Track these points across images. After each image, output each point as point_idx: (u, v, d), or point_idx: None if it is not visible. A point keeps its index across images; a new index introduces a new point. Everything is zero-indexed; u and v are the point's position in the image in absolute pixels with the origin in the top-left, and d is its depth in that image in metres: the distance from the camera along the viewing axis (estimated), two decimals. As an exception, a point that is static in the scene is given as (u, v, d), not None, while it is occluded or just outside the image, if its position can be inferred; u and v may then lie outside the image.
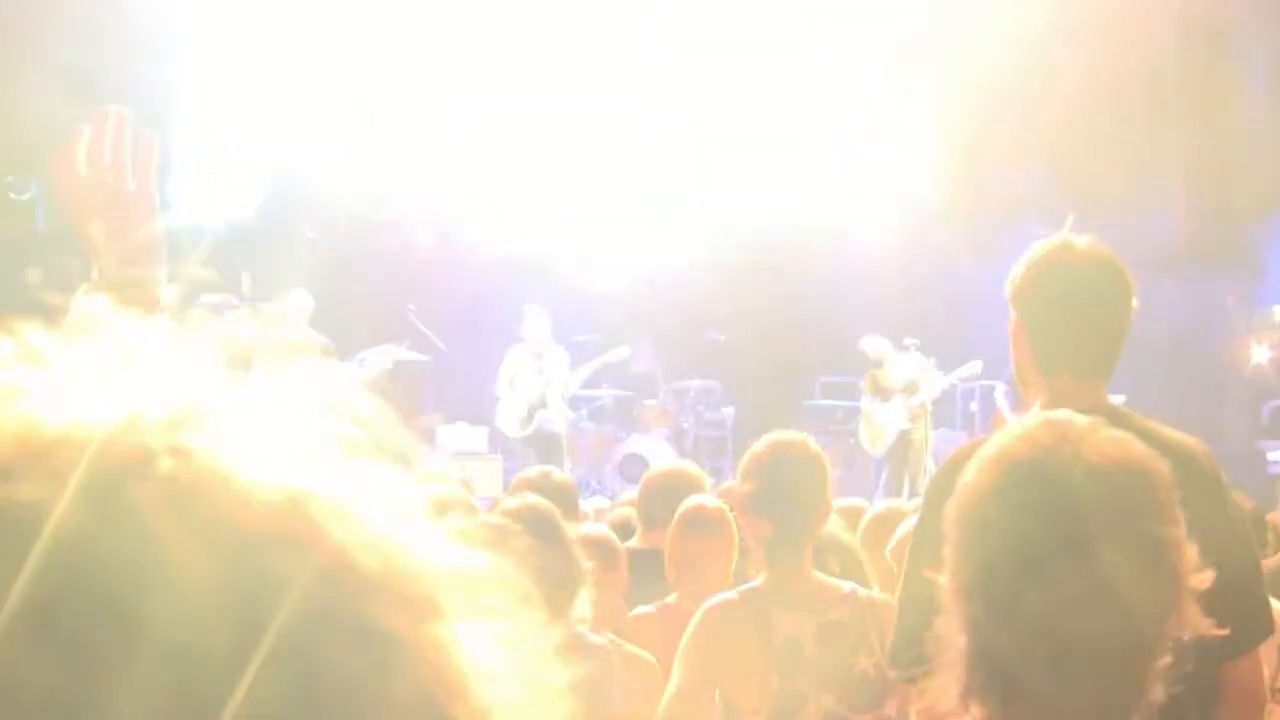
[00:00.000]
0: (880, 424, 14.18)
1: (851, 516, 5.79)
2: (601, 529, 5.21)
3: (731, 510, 4.79)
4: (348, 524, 0.61)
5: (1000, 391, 14.48)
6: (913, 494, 12.99)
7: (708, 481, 6.50)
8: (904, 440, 14.08)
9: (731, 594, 4.08)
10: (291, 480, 0.61)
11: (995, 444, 1.90)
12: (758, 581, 4.07)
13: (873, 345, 14.41)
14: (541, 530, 3.80)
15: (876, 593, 4.22)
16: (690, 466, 6.60)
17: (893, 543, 4.80)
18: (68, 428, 0.59)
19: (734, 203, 17.96)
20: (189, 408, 0.62)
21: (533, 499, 4.18)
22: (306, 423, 0.65)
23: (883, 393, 14.29)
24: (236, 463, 0.60)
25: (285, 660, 0.57)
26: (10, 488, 0.57)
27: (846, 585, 4.15)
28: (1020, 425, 1.92)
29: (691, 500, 5.15)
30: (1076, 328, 3.21)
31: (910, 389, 14.01)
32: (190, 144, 16.56)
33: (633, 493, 7.17)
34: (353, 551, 0.60)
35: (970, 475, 1.88)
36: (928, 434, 13.62)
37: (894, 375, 14.25)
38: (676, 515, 5.02)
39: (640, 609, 4.99)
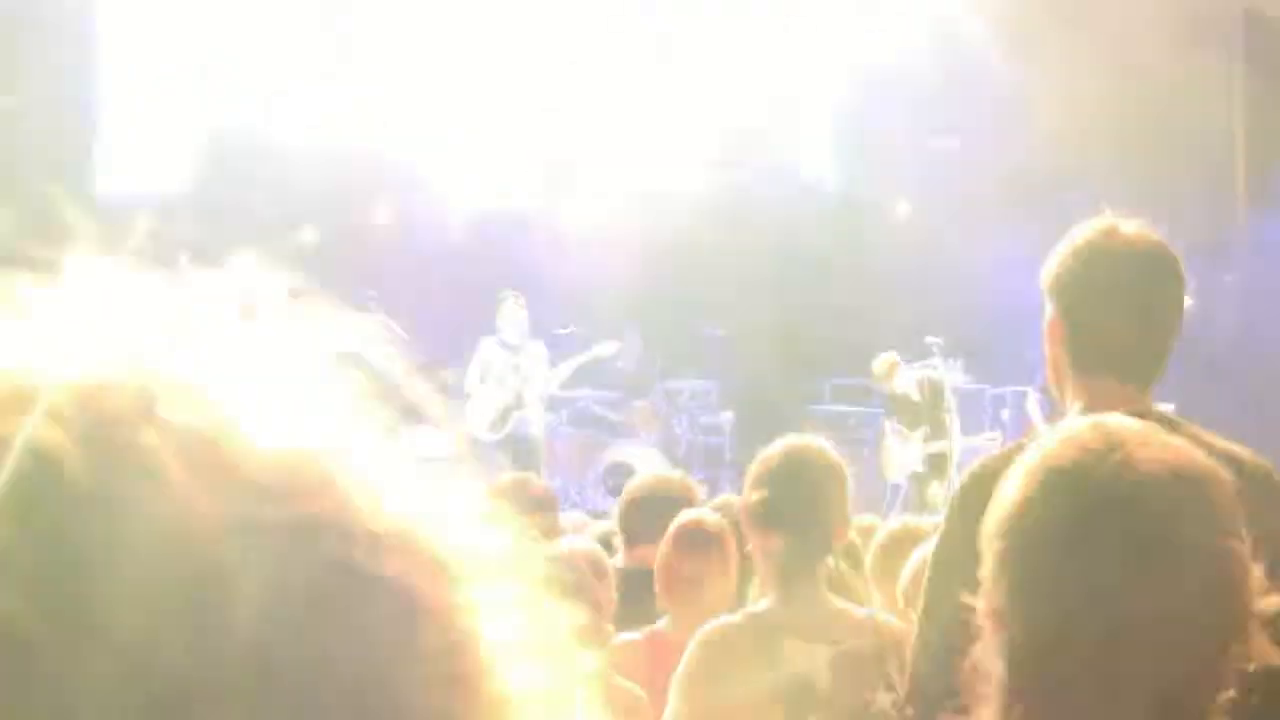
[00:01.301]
0: (898, 462, 14.34)
1: (863, 536, 5.80)
2: (588, 543, 5.22)
3: (732, 525, 4.81)
4: (364, 479, 0.63)
5: (1032, 399, 14.51)
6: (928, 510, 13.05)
7: (698, 493, 6.51)
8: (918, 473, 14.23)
9: (734, 619, 4.08)
10: (304, 431, 0.63)
11: (1036, 451, 1.91)
12: (764, 605, 4.07)
13: (884, 368, 14.38)
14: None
15: (897, 621, 4.22)
16: (678, 476, 6.62)
17: (907, 571, 4.82)
18: (60, 374, 0.61)
19: (733, 179, 17.99)
20: (191, 352, 0.64)
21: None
22: (315, 372, 0.68)
23: (902, 424, 14.37)
24: (246, 411, 0.63)
25: (304, 609, 0.59)
26: (8, 427, 0.59)
27: (864, 611, 4.16)
28: (1064, 429, 1.93)
29: (687, 514, 5.16)
30: (1121, 324, 3.19)
31: (932, 432, 14.06)
32: (119, 104, 16.56)
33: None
34: (372, 507, 0.63)
35: (1009, 485, 1.90)
36: (952, 449, 13.67)
37: (912, 404, 14.33)
38: (670, 531, 5.03)
39: (624, 635, 5.00)
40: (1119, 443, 1.84)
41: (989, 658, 1.86)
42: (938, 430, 13.88)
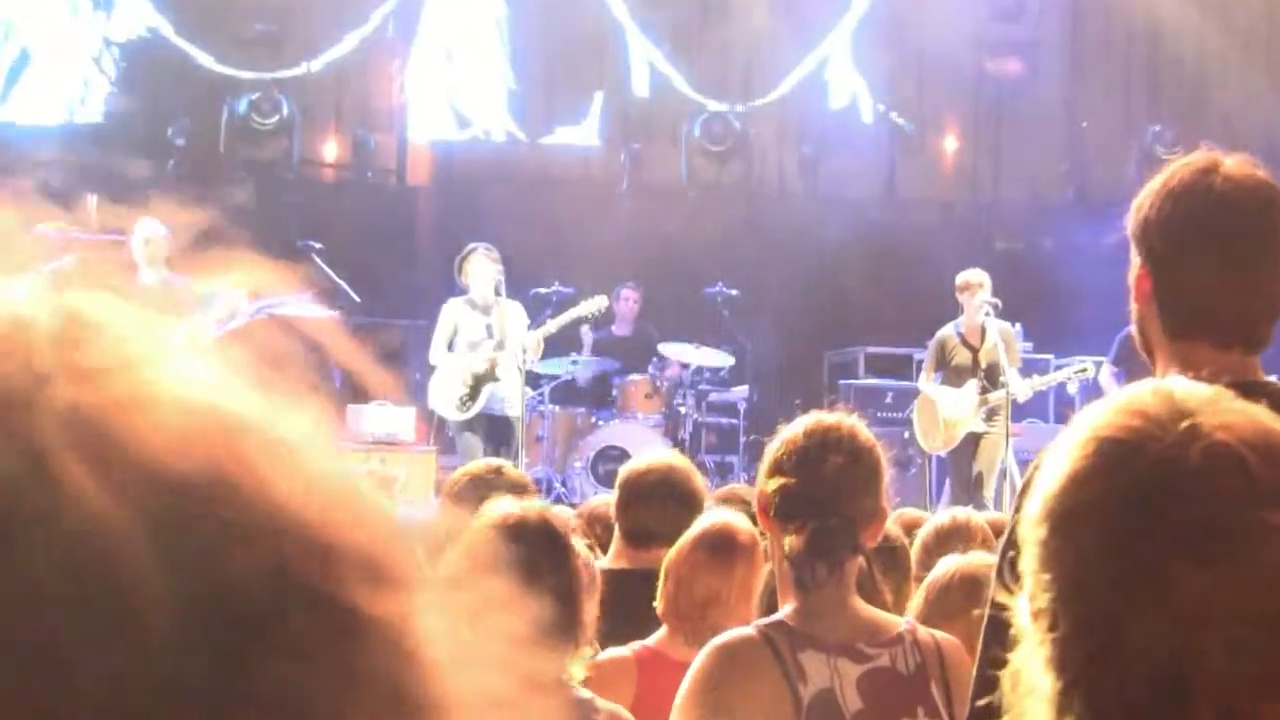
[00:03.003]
0: (946, 417, 14.15)
1: (906, 531, 5.81)
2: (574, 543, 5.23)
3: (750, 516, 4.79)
4: (287, 463, 0.63)
5: (1106, 371, 14.50)
6: (975, 506, 13.01)
7: (703, 483, 6.51)
8: (973, 438, 14.08)
9: (746, 630, 4.07)
10: (218, 408, 0.62)
11: (1086, 420, 1.91)
12: (783, 613, 4.06)
13: (972, 281, 14.01)
14: (554, 547, 3.85)
15: (941, 633, 4.22)
16: (680, 462, 6.63)
17: (931, 580, 4.83)
18: None
19: (747, 106, 17.96)
20: (85, 318, 0.63)
21: (543, 508, 4.21)
22: (229, 337, 0.67)
23: (954, 371, 14.19)
24: (152, 388, 0.62)
25: (227, 627, 0.59)
26: None
27: (903, 621, 4.15)
28: (1119, 396, 1.93)
29: (714, 518, 5.12)
30: (1222, 278, 3.15)
31: (990, 371, 13.93)
32: (18, 27, 16.52)
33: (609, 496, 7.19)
34: (299, 502, 0.62)
35: (1055, 461, 1.90)
36: (1007, 427, 13.62)
37: (970, 347, 14.16)
38: (690, 536, 5.01)
39: (611, 651, 5.00)
40: (1187, 410, 1.82)
41: (1032, 666, 1.86)
42: (994, 382, 13.80)
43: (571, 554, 4.12)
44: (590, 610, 4.91)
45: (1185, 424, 1.80)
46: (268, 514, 0.61)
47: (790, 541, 4.02)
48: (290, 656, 0.60)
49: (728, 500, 5.88)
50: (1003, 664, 1.92)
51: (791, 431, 4.11)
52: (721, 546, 4.97)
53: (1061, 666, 1.81)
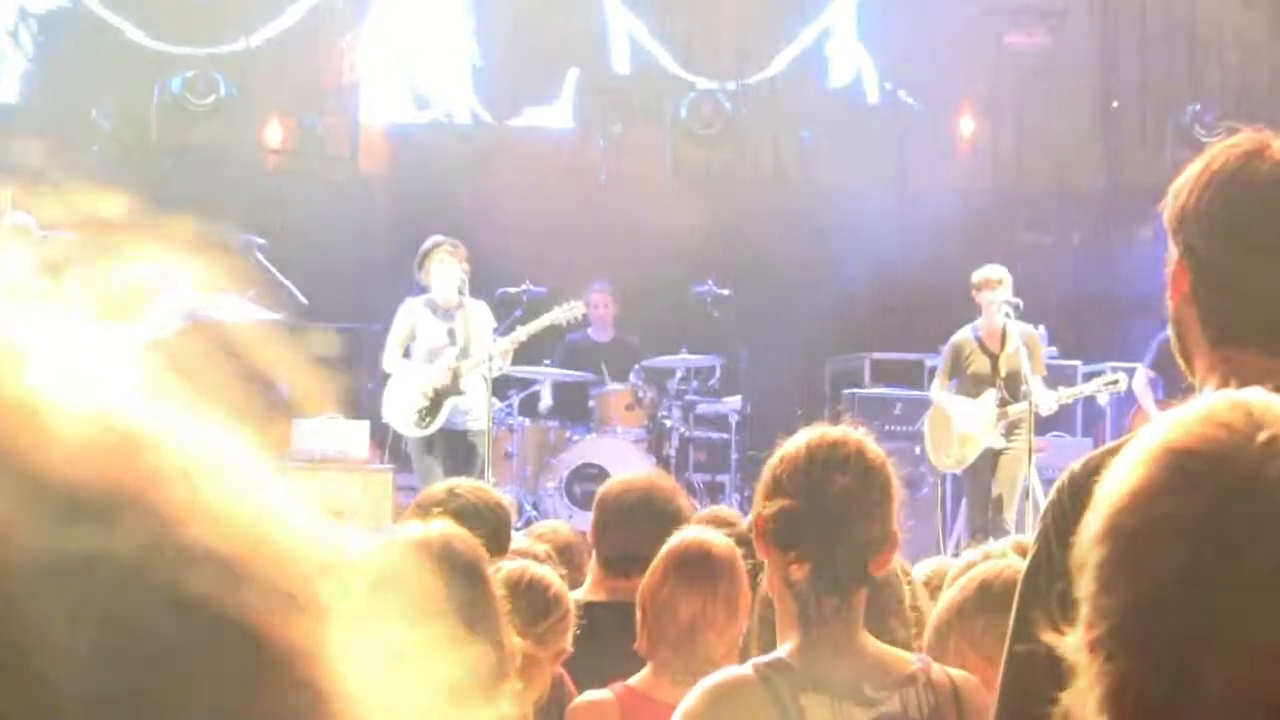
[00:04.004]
0: (961, 430, 14.15)
1: (930, 590, 5.79)
2: (544, 571, 5.23)
3: (743, 546, 4.80)
4: (194, 481, 0.63)
5: (1142, 377, 14.51)
6: (995, 530, 13.00)
7: (689, 504, 6.51)
8: (991, 454, 14.07)
9: (742, 670, 4.07)
10: (124, 424, 0.62)
11: (1155, 432, 1.90)
12: (783, 651, 4.06)
13: (991, 278, 13.96)
14: (457, 572, 3.84)
15: (957, 671, 4.22)
16: (663, 477, 6.62)
17: (935, 616, 4.83)
18: None
19: (740, 85, 17.97)
20: None
21: (447, 530, 4.21)
22: (142, 344, 0.67)
23: (971, 379, 14.18)
24: (40, 391, 0.62)
25: (130, 665, 0.59)
26: None
27: (915, 659, 4.15)
28: (1189, 407, 1.92)
29: (686, 535, 5.14)
30: (1271, 276, 3.15)
31: (1011, 380, 13.91)
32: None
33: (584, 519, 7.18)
34: (201, 518, 0.62)
35: (1119, 477, 1.88)
36: (1030, 443, 13.62)
37: (989, 354, 14.14)
38: (661, 557, 5.03)
39: (590, 694, 5.01)
40: (1267, 421, 1.82)
41: (1088, 705, 1.85)
42: (1014, 393, 13.77)
43: (480, 579, 4.11)
44: (558, 643, 4.92)
45: (1265, 437, 1.80)
46: (171, 539, 0.61)
47: (793, 571, 4.02)
48: (191, 697, 0.60)
49: (709, 524, 5.88)
50: (1029, 709, 1.90)
51: (792, 447, 4.10)
52: (699, 564, 4.99)
53: (1120, 709, 1.80)
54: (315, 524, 0.68)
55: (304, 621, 0.63)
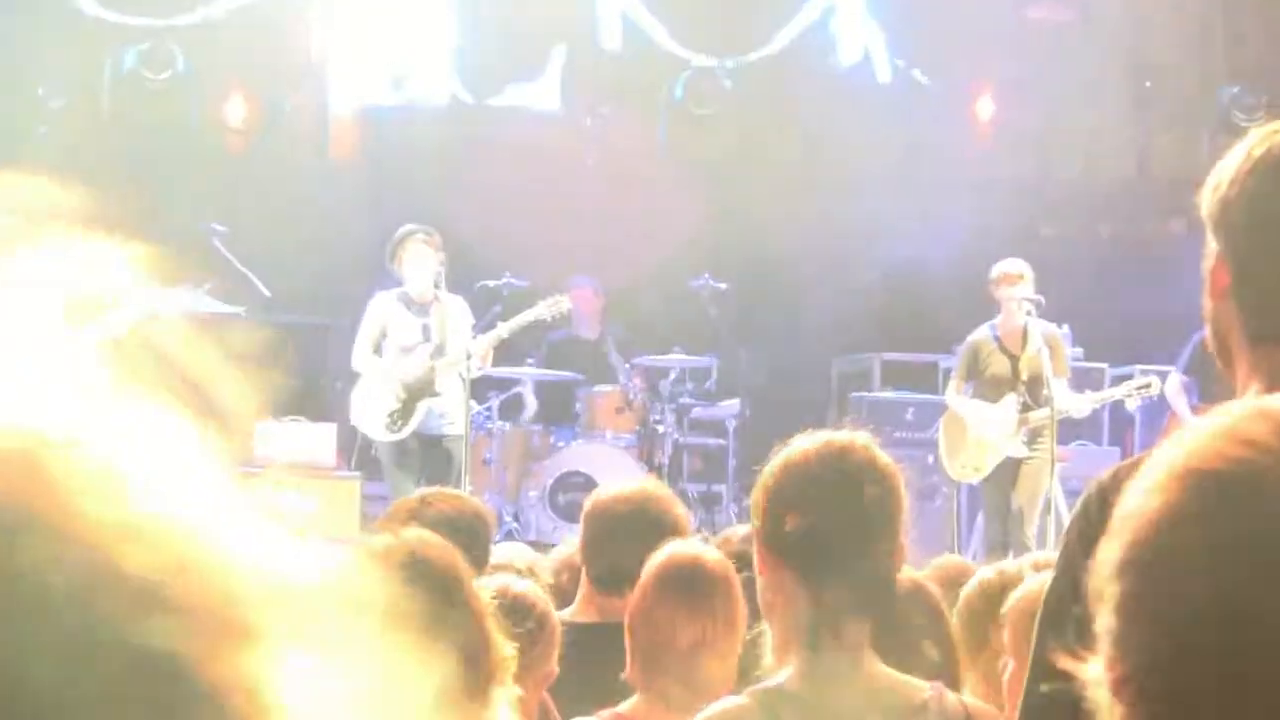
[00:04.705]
0: (979, 437, 14.14)
1: (948, 583, 5.80)
2: (527, 587, 5.24)
3: (740, 561, 4.80)
4: (112, 495, 0.62)
5: (1175, 382, 14.51)
6: (1015, 546, 13.01)
7: (686, 515, 6.51)
8: (1011, 464, 14.07)
9: (740, 699, 4.08)
10: (26, 430, 0.62)
11: (1179, 449, 1.90)
12: (783, 677, 4.06)
13: (1011, 273, 13.93)
14: (436, 590, 3.84)
15: (972, 699, 4.23)
16: (660, 488, 6.62)
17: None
18: None
19: (741, 63, 17.98)
20: None
21: (423, 541, 4.20)
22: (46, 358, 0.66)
23: (989, 383, 14.17)
24: None
25: (10, 698, 0.57)
26: None
27: (928, 686, 4.16)
28: (1214, 418, 1.92)
29: (675, 549, 5.15)
30: None
31: (1032, 384, 13.90)
32: None
33: (572, 534, 7.18)
34: (116, 537, 0.61)
35: (1138, 497, 1.88)
36: (1053, 451, 13.63)
37: (1008, 355, 14.13)
38: (650, 573, 5.03)
39: (578, 721, 5.02)
40: None
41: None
42: (1036, 397, 13.76)
43: (454, 590, 4.10)
44: (543, 667, 4.92)
45: None
46: (75, 560, 0.60)
47: (793, 590, 4.01)
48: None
49: (726, 545, 5.86)
50: None
51: (797, 455, 4.09)
52: (697, 581, 4.99)
53: None
54: (268, 540, 0.67)
55: (238, 652, 0.62)
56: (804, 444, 4.10)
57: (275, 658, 0.63)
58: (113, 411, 0.64)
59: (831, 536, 3.99)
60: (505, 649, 4.07)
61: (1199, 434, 1.85)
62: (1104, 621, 1.84)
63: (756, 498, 4.14)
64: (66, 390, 0.64)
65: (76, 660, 0.58)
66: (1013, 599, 4.94)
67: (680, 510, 6.31)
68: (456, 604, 3.98)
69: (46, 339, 0.67)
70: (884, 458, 4.12)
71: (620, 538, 5.97)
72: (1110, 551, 1.85)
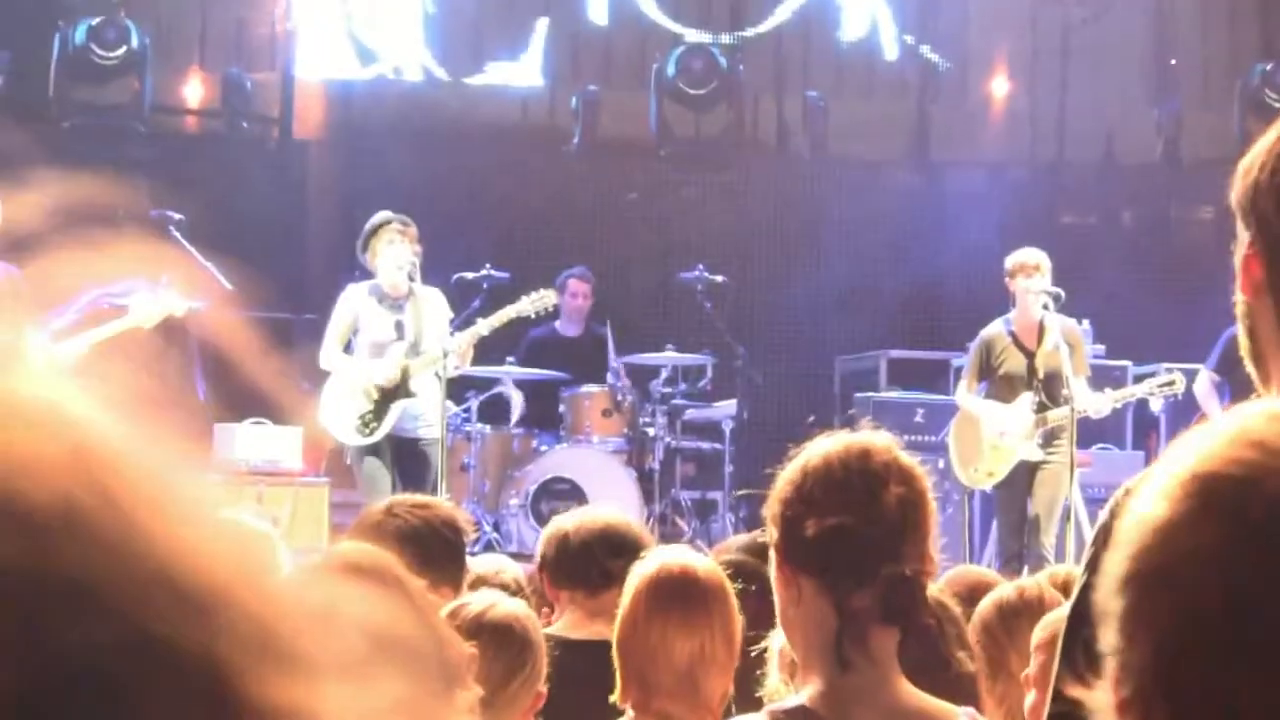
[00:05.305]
0: (992, 440, 14.14)
1: (968, 597, 5.81)
2: (508, 606, 5.24)
3: (738, 574, 4.80)
4: (164, 505, 0.63)
5: (1205, 381, 14.51)
6: (1032, 557, 13.02)
7: (644, 534, 6.55)
8: (1027, 469, 14.06)
9: (760, 718, 4.08)
10: (80, 432, 0.62)
11: (1185, 453, 1.90)
12: (805, 696, 4.05)
13: (1027, 264, 13.91)
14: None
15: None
16: (621, 518, 6.65)
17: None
18: None
19: (737, 39, 17.99)
20: None
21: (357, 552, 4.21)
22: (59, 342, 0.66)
23: (1003, 381, 14.16)
24: None
25: (35, 691, 0.58)
26: None
27: (961, 713, 4.15)
28: (1224, 422, 1.92)
29: (659, 563, 5.14)
30: None
31: (1050, 382, 13.89)
32: None
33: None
34: (174, 549, 0.62)
35: (1144, 506, 1.89)
36: (1072, 455, 13.63)
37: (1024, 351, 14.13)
38: (640, 589, 5.02)
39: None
40: None
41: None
42: (1054, 397, 13.75)
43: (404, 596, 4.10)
44: (530, 692, 4.93)
45: None
46: (131, 563, 0.61)
47: (812, 604, 4.01)
48: None
49: (719, 556, 5.87)
50: None
51: (816, 458, 4.07)
52: (692, 592, 4.98)
53: None
54: (306, 567, 0.68)
55: (283, 678, 0.63)
56: (822, 446, 4.08)
57: (315, 684, 0.64)
58: (140, 421, 0.65)
59: (854, 541, 3.98)
60: (461, 646, 4.07)
61: (1206, 437, 1.86)
62: (1106, 640, 1.85)
63: (772, 506, 4.12)
64: (101, 396, 0.64)
65: (116, 665, 0.59)
66: (1041, 626, 4.94)
67: (638, 533, 6.41)
68: (403, 609, 3.99)
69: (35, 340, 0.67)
70: (908, 460, 4.10)
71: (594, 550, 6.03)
72: (1113, 564, 1.85)
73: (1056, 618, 4.86)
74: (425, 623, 4.09)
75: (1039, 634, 4.93)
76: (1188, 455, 1.84)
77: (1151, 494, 1.84)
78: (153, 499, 0.62)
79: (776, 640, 4.49)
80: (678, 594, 4.99)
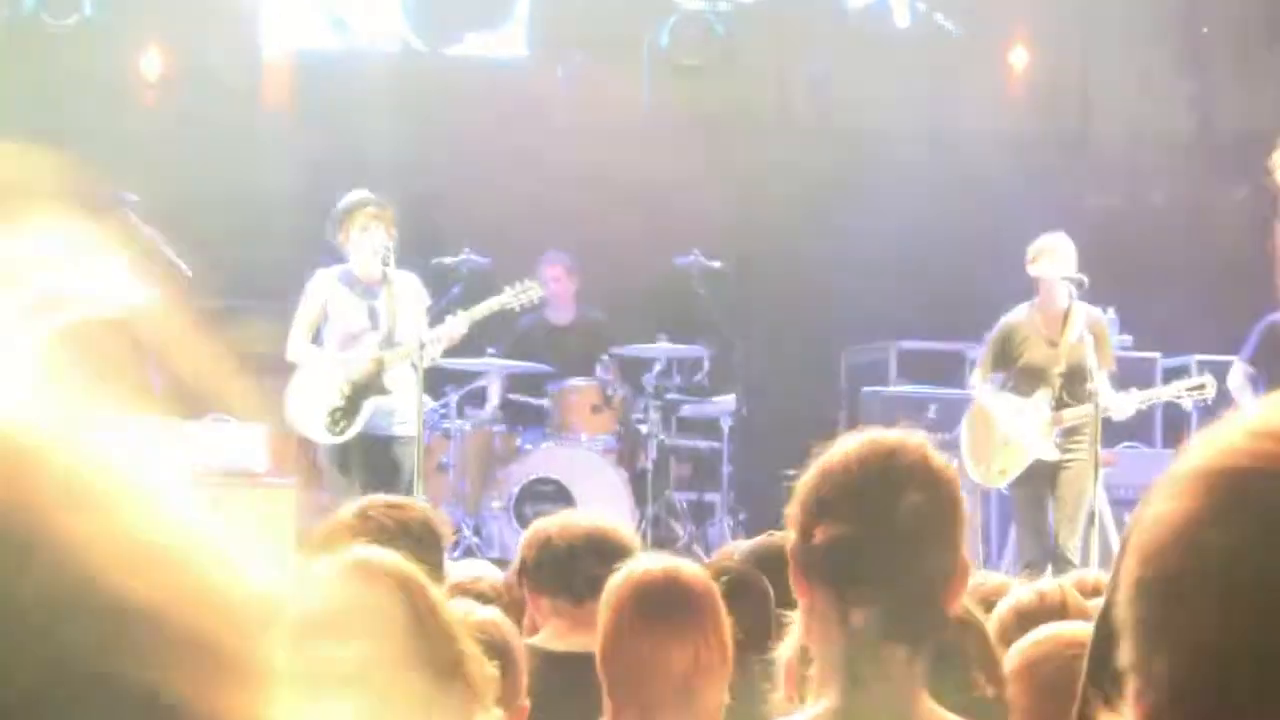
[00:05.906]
0: (1008, 436, 14.14)
1: (989, 607, 5.82)
2: (488, 614, 5.25)
3: (734, 581, 4.81)
4: (103, 515, 0.63)
5: (1239, 373, 14.52)
6: (1056, 562, 13.02)
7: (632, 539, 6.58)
8: (1048, 468, 14.05)
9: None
10: (11, 436, 0.63)
11: (1201, 448, 1.90)
12: (817, 711, 4.06)
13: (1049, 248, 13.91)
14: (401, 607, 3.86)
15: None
16: (608, 523, 6.67)
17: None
18: None
19: (740, 8, 18.00)
20: None
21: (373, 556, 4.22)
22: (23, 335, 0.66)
23: (1023, 373, 14.15)
24: None
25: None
26: None
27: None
28: (1242, 418, 1.92)
29: (645, 566, 5.16)
30: None
31: (1073, 375, 13.88)
32: None
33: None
34: (107, 554, 0.62)
35: (1159, 505, 1.89)
36: (1096, 454, 13.62)
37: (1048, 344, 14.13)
38: (627, 604, 5.03)
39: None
40: None
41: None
42: (1076, 392, 13.74)
43: (425, 605, 4.11)
44: (511, 705, 4.94)
45: None
46: (63, 580, 0.60)
47: (833, 614, 4.01)
48: None
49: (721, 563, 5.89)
50: None
51: (837, 457, 4.07)
52: (681, 600, 5.01)
53: None
54: (257, 561, 0.67)
55: (238, 688, 0.63)
56: (846, 445, 4.07)
57: (270, 697, 0.64)
58: (86, 413, 0.65)
59: (861, 549, 3.98)
60: (484, 667, 4.08)
61: (1223, 431, 1.86)
62: (1125, 652, 1.85)
63: (791, 509, 4.12)
64: (38, 388, 0.64)
65: (52, 691, 0.58)
66: (1016, 653, 4.94)
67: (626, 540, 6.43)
68: (423, 620, 3.99)
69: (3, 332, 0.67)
70: (939, 461, 4.08)
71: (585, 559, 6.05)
72: (1127, 571, 1.86)
73: (1030, 642, 4.88)
74: (442, 634, 4.09)
75: (1013, 659, 4.94)
76: (1203, 450, 1.85)
77: (1166, 491, 1.84)
78: (79, 501, 0.61)
79: (784, 653, 4.49)
80: (666, 601, 5.00)
